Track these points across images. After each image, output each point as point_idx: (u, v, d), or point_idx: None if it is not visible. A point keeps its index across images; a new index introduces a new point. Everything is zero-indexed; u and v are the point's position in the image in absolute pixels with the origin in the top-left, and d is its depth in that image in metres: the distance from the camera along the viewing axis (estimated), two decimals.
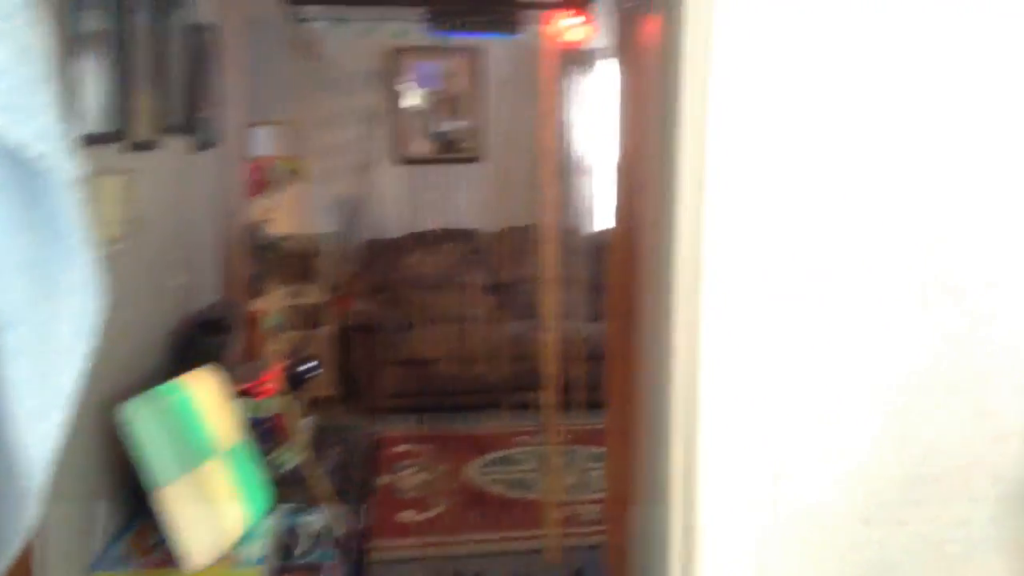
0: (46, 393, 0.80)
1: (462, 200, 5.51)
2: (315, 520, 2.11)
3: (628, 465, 2.13)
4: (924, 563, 1.46)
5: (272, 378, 2.40)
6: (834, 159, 1.35)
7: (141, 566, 1.88)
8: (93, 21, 1.93)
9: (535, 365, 3.35)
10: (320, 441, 2.61)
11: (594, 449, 4.04)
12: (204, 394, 2.08)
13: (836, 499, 1.43)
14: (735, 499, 1.40)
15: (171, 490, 1.88)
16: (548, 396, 3.19)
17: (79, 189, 0.82)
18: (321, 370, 2.73)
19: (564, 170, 4.80)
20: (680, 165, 1.37)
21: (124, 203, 2.11)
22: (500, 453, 4.31)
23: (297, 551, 2.02)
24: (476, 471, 4.11)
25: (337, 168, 5.29)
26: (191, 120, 2.81)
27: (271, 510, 2.12)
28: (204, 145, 2.98)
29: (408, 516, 3.66)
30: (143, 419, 1.88)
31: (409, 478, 4.04)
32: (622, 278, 2.25)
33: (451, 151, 5.48)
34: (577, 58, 4.90)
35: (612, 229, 2.38)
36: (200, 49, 2.88)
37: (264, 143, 4.63)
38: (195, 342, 2.46)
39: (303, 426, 2.51)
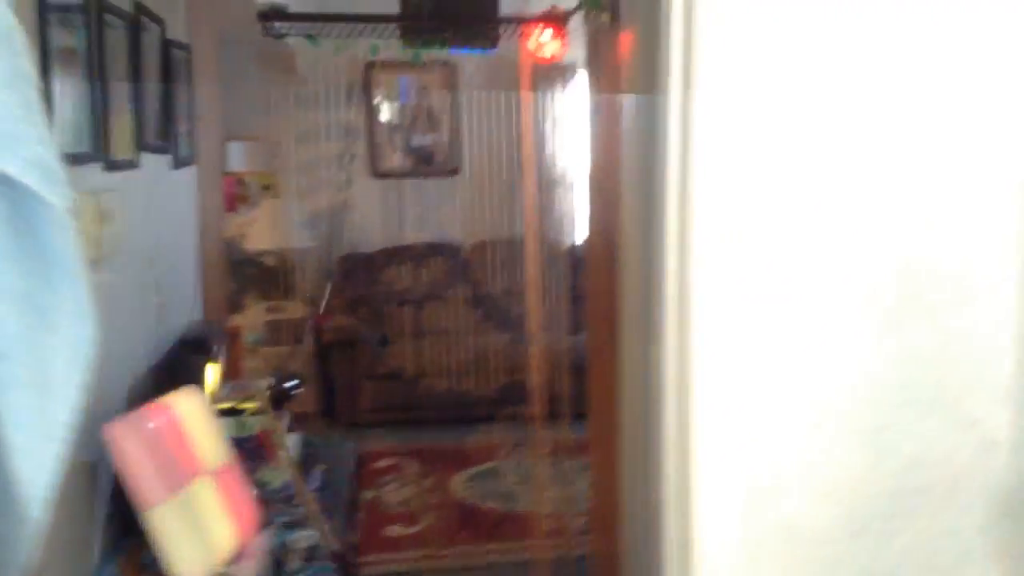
0: (43, 425, 0.78)
1: (440, 214, 5.50)
2: (305, 537, 2.10)
3: (613, 476, 2.14)
4: (914, 574, 1.47)
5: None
6: (814, 178, 1.36)
7: None
8: (66, 39, 1.91)
9: (519, 377, 3.35)
10: (304, 457, 2.59)
11: (580, 460, 4.04)
12: (189, 413, 2.07)
13: (825, 513, 1.43)
14: (727, 513, 1.41)
15: (160, 510, 1.86)
16: (533, 408, 3.19)
17: (71, 217, 0.81)
18: (303, 387, 2.71)
19: (544, 183, 4.81)
20: (667, 181, 1.38)
21: (102, 223, 2.09)
22: (485, 466, 4.30)
23: (288, 568, 2.01)
24: (461, 484, 4.10)
25: (313, 183, 5.27)
26: (167, 138, 2.79)
27: (261, 528, 2.11)
28: (181, 163, 2.96)
29: (395, 531, 3.64)
30: (129, 439, 1.86)
31: (394, 493, 4.02)
32: (601, 289, 2.26)
33: (428, 164, 5.48)
34: (552, 72, 4.92)
35: (587, 240, 2.39)
36: (175, 66, 2.86)
37: (238, 158, 4.61)
38: (178, 361, 2.44)
39: (288, 444, 2.49)
